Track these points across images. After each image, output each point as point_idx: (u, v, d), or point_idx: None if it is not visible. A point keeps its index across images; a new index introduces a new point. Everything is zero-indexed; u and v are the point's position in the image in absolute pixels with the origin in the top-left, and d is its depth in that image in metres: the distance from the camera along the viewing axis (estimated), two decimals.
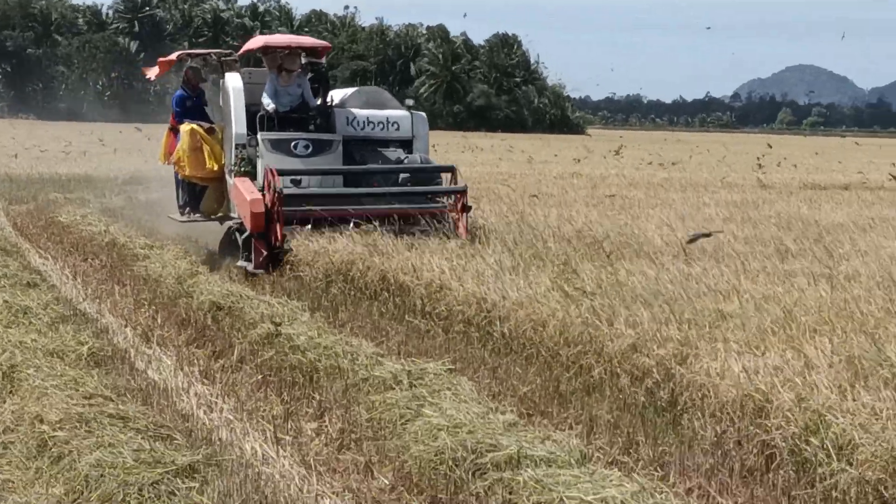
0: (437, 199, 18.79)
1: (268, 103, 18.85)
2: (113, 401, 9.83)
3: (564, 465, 8.32)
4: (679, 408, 9.63)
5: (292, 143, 18.41)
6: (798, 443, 8.31)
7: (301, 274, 16.72)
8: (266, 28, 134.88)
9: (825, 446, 8.05)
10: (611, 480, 7.93)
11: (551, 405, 10.66)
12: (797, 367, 9.17)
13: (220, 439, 9.69)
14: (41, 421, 9.27)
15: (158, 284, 17.08)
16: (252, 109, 18.79)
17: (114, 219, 27.06)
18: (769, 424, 8.60)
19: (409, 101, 21.23)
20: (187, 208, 20.62)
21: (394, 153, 19.00)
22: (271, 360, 12.46)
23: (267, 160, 18.05)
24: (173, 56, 22.24)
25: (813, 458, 8.11)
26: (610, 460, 9.11)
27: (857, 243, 17.32)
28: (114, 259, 20.28)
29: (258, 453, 9.47)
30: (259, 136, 18.50)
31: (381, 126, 19.19)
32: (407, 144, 19.26)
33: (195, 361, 12.91)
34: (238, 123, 18.67)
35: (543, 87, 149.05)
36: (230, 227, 19.24)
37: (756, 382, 9.02)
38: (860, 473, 7.72)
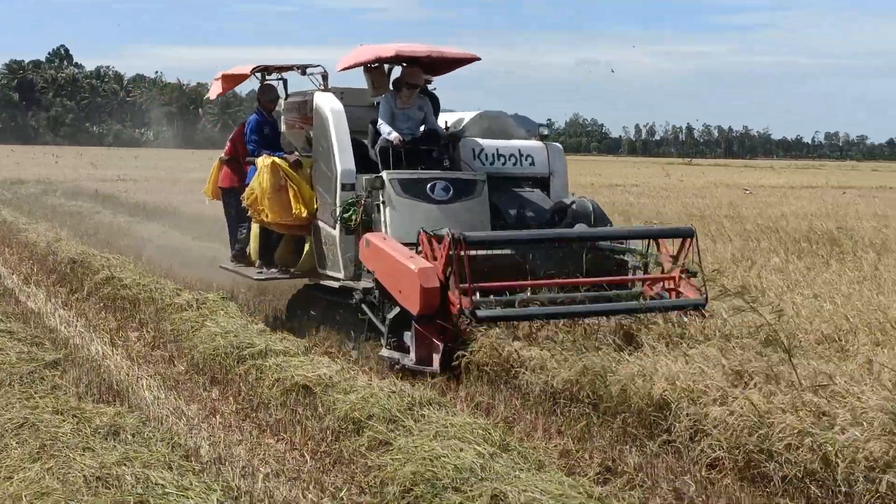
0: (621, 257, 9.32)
1: (388, 132, 9.87)
2: (3, 321, 9.46)
3: (295, 355, 8.30)
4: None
5: (429, 185, 9.51)
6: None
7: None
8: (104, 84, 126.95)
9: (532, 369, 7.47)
10: (323, 363, 7.97)
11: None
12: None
13: (74, 344, 9.35)
14: None
15: (35, 246, 16.27)
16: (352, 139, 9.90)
17: (4, 205, 25.70)
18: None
19: (544, 130, 10.80)
20: (259, 261, 10.84)
21: (530, 193, 10.17)
22: (109, 294, 12.02)
23: (399, 207, 9.35)
24: (246, 69, 11.14)
25: (520, 375, 7.47)
26: (323, 352, 9.16)
27: None
28: (4, 231, 19.25)
29: (100, 352, 9.17)
30: (385, 176, 9.43)
31: (513, 160, 10.26)
32: (543, 183, 10.38)
33: (59, 295, 12.38)
34: (343, 157, 9.67)
35: None
36: (356, 298, 9.41)
37: None
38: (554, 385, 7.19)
